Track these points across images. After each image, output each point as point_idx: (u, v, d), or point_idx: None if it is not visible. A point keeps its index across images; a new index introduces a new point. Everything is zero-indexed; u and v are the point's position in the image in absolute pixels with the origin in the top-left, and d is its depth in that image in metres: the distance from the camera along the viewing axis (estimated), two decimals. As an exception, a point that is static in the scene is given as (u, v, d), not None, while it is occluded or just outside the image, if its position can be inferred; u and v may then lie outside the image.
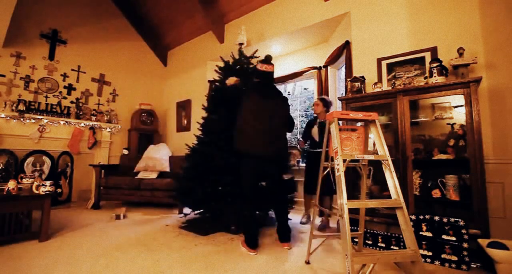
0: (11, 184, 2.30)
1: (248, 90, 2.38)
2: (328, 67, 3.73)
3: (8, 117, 3.74)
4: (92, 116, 4.58)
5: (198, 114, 4.35)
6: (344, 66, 3.28)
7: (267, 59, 2.34)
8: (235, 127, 2.33)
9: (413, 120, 2.34)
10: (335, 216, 2.32)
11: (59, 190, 3.97)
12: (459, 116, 2.22)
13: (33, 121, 3.94)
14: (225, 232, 2.70)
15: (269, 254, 2.12)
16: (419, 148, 2.36)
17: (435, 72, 2.22)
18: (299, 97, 4.61)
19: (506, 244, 1.77)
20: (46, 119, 4.03)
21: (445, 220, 1.99)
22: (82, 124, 4.42)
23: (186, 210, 3.42)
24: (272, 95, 2.39)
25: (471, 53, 2.26)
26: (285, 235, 2.30)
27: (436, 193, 2.19)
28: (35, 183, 2.44)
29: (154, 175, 4.01)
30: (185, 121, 5.21)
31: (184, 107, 5.24)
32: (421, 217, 2.08)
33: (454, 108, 2.26)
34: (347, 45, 3.19)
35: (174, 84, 5.63)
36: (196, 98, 4.97)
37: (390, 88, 2.53)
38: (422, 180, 2.30)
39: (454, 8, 2.45)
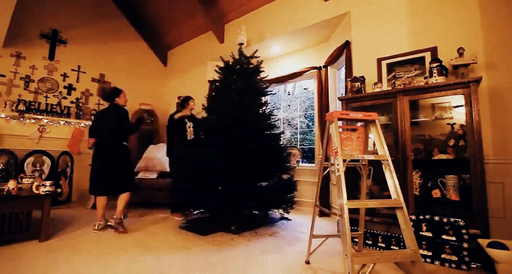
0: (11, 184, 2.30)
1: None
2: (328, 67, 3.73)
3: (8, 117, 3.74)
4: (92, 116, 4.58)
5: (198, 114, 4.34)
6: (344, 66, 3.28)
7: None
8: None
9: (413, 120, 2.34)
10: (335, 216, 2.32)
11: (59, 190, 3.97)
12: (459, 116, 2.22)
13: (33, 121, 3.94)
14: (225, 232, 2.70)
15: (269, 254, 2.12)
16: (419, 148, 2.36)
17: (435, 72, 2.22)
18: (299, 97, 4.61)
19: (506, 244, 1.77)
20: (46, 119, 4.03)
21: (445, 220, 1.99)
22: (82, 124, 4.42)
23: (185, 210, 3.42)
24: None
25: (471, 53, 2.26)
26: None
27: (436, 193, 2.19)
28: (35, 183, 2.44)
29: (154, 175, 4.01)
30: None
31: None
32: (421, 217, 2.08)
33: (454, 108, 2.26)
34: (347, 45, 3.19)
35: (174, 84, 5.63)
36: (196, 98, 4.95)
37: (390, 88, 2.53)
38: (422, 180, 2.30)
39: (454, 8, 2.45)
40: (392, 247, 2.23)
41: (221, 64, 3.25)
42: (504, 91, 2.17)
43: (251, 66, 3.19)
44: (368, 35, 2.94)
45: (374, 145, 1.94)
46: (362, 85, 2.68)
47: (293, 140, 5.13)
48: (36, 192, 2.38)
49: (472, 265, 1.91)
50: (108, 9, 5.01)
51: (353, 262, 1.36)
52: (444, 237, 1.97)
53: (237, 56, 3.27)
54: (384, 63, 2.76)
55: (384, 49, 2.79)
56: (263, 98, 3.29)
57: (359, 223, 2.03)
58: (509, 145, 2.13)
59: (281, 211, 3.08)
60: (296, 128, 4.88)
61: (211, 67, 4.64)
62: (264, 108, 3.21)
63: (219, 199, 2.62)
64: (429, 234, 2.03)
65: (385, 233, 2.29)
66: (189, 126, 3.42)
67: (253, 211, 3.03)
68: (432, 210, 2.26)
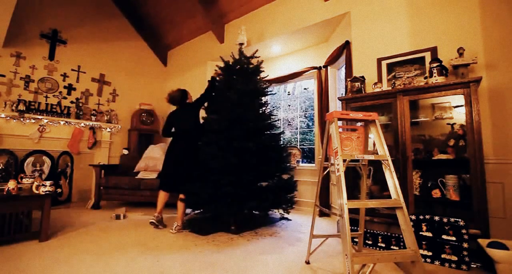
0: (11, 184, 2.29)
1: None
2: (328, 67, 3.73)
3: (8, 117, 3.74)
4: (92, 116, 4.58)
5: (198, 114, 4.34)
6: (344, 66, 3.29)
7: None
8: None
9: (413, 120, 2.34)
10: (335, 216, 2.32)
11: (59, 190, 3.97)
12: (459, 116, 2.22)
13: (33, 121, 3.94)
14: (225, 232, 2.70)
15: (269, 254, 2.12)
16: (419, 148, 2.36)
17: (435, 72, 2.22)
18: (299, 97, 4.61)
19: (506, 244, 1.77)
20: (46, 119, 4.03)
21: (445, 220, 1.99)
22: (82, 124, 4.42)
23: (186, 210, 3.42)
24: None
25: (471, 53, 2.26)
26: None
27: (436, 193, 2.19)
28: (35, 183, 2.44)
29: (154, 175, 4.01)
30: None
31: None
32: (421, 217, 2.08)
33: (454, 108, 2.26)
34: (347, 45, 3.19)
35: (174, 84, 5.62)
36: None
37: (390, 88, 2.53)
38: (422, 180, 2.30)
39: (454, 8, 2.45)
40: (392, 247, 2.23)
41: (221, 64, 3.24)
42: (504, 91, 2.17)
43: (251, 66, 3.19)
44: (368, 35, 2.94)
45: (374, 145, 1.94)
46: (362, 85, 2.68)
47: (293, 139, 5.13)
48: (36, 192, 2.38)
49: (472, 265, 1.91)
50: (108, 9, 5.01)
51: (353, 262, 1.36)
52: (444, 237, 1.97)
53: (237, 56, 3.27)
54: (384, 63, 2.76)
55: (384, 49, 2.79)
56: (263, 98, 3.29)
57: (359, 223, 2.03)
58: (509, 145, 2.13)
59: (281, 211, 3.08)
60: (296, 128, 4.88)
61: (211, 67, 4.65)
62: (264, 108, 3.21)
63: (219, 199, 2.62)
64: (429, 234, 2.03)
65: (385, 233, 2.29)
66: None
67: (253, 211, 3.03)
68: (432, 210, 2.26)
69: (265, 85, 3.29)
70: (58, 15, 4.38)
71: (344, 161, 1.63)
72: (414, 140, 2.35)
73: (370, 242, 2.34)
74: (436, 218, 2.02)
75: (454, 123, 2.24)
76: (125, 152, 4.70)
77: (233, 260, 1.99)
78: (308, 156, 4.97)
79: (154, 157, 4.22)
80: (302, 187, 3.83)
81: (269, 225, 3.02)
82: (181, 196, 2.79)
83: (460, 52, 2.20)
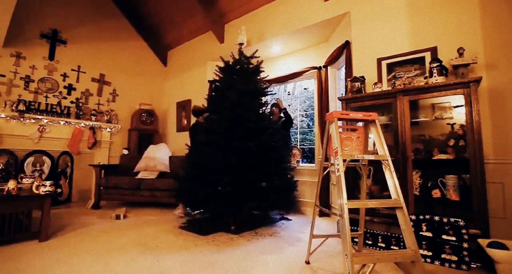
0: (11, 184, 2.30)
1: None
2: (328, 67, 3.73)
3: (8, 117, 3.74)
4: (92, 116, 4.58)
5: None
6: (344, 66, 3.28)
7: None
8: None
9: (413, 120, 2.34)
10: (335, 216, 2.32)
11: (59, 190, 3.97)
12: (459, 116, 2.22)
13: (33, 121, 3.94)
14: (225, 232, 2.70)
15: (269, 254, 2.12)
16: (419, 148, 2.36)
17: (435, 72, 2.22)
18: (299, 97, 4.61)
19: (506, 244, 1.77)
20: (46, 119, 4.03)
21: (445, 220, 1.99)
22: (82, 124, 4.42)
23: (186, 210, 3.42)
24: None
25: (471, 53, 2.26)
26: None
27: (436, 193, 2.19)
28: (35, 183, 2.44)
29: (154, 175, 4.01)
30: (185, 121, 5.21)
31: (184, 107, 5.24)
32: (421, 217, 2.08)
33: (454, 108, 2.26)
34: (347, 45, 3.19)
35: (174, 84, 5.63)
36: (196, 98, 4.97)
37: (390, 88, 2.53)
38: (422, 180, 2.30)
39: (454, 8, 2.45)
40: (392, 247, 2.23)
41: (221, 64, 3.24)
42: (504, 91, 2.17)
43: (251, 66, 3.19)
44: (368, 35, 2.94)
45: (374, 145, 1.94)
46: (362, 85, 2.68)
47: (293, 139, 5.12)
48: (36, 192, 2.38)
49: (472, 265, 1.91)
50: (108, 9, 5.01)
51: (353, 262, 1.36)
52: (444, 237, 1.97)
53: (237, 56, 3.27)
54: (384, 63, 2.76)
55: (384, 49, 2.79)
56: (263, 98, 3.29)
57: (359, 223, 2.03)
58: (509, 145, 2.13)
59: (281, 211, 3.08)
60: (296, 128, 4.88)
61: (211, 67, 4.65)
62: (264, 108, 3.21)
63: (219, 199, 2.62)
64: (429, 234, 2.02)
65: (385, 233, 2.29)
66: None
67: (253, 211, 3.03)
68: (432, 210, 2.26)
69: (265, 85, 3.28)
70: (58, 15, 4.38)
71: (344, 161, 1.63)
72: (414, 140, 2.35)
73: (370, 242, 2.34)
74: (436, 218, 2.02)
75: (454, 123, 2.24)
76: (125, 152, 4.70)
77: (233, 260, 1.99)
78: (308, 156, 4.97)
79: (154, 157, 4.22)
80: (302, 187, 3.82)
81: (269, 225, 3.02)
82: None
83: (460, 52, 2.20)
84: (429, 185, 2.24)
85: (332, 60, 3.56)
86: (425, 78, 2.35)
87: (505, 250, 1.72)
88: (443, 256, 1.95)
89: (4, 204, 2.21)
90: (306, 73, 3.99)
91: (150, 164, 4.13)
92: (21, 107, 3.83)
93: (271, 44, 4.12)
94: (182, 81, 5.40)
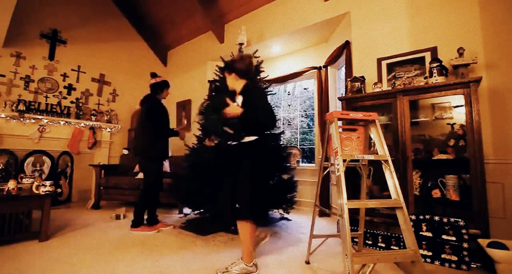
0: (11, 184, 2.29)
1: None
2: (328, 67, 3.73)
3: (8, 117, 3.73)
4: (92, 116, 4.58)
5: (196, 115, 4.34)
6: (344, 66, 3.28)
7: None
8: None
9: (413, 120, 2.33)
10: (335, 216, 2.32)
11: (59, 190, 3.97)
12: (459, 116, 2.22)
13: (33, 121, 3.94)
14: (225, 232, 2.70)
15: (269, 254, 2.12)
16: (419, 148, 2.36)
17: (435, 72, 2.22)
18: (299, 97, 4.61)
19: (506, 244, 1.77)
20: (46, 119, 4.03)
21: (445, 220, 1.99)
22: (82, 124, 4.42)
23: (186, 210, 3.42)
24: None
25: (471, 53, 2.26)
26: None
27: (436, 193, 2.19)
28: (35, 183, 2.44)
29: (154, 175, 4.00)
30: (185, 121, 5.20)
31: (184, 107, 5.24)
32: (421, 217, 2.08)
33: (454, 108, 2.26)
34: (347, 45, 3.19)
35: (174, 84, 5.59)
36: (196, 98, 4.97)
37: (390, 88, 2.53)
38: (422, 180, 2.30)
39: (454, 8, 2.45)
40: (392, 247, 2.23)
41: (221, 64, 3.24)
42: (504, 91, 2.17)
43: (251, 66, 3.18)
44: (368, 35, 2.94)
45: (374, 144, 1.94)
46: (362, 85, 2.68)
47: (293, 139, 5.13)
48: (36, 192, 2.38)
49: (472, 265, 1.91)
50: (108, 9, 5.01)
51: (353, 262, 1.36)
52: (444, 237, 1.97)
53: (237, 56, 3.26)
54: (384, 63, 2.76)
55: (384, 49, 2.79)
56: (263, 98, 3.28)
57: (359, 223, 2.03)
58: (509, 145, 2.13)
59: (281, 211, 3.08)
60: (296, 128, 4.88)
61: (211, 67, 4.65)
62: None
63: (219, 199, 2.61)
64: (429, 234, 2.03)
65: (385, 233, 2.29)
66: None
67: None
68: (432, 210, 2.26)
69: (265, 85, 3.28)
70: (58, 15, 4.38)
71: (344, 161, 1.63)
72: (414, 140, 2.35)
73: (370, 242, 2.34)
74: (436, 218, 2.02)
75: (454, 123, 2.24)
76: (125, 152, 4.69)
77: (233, 260, 1.98)
78: (308, 156, 4.97)
79: (154, 157, 4.21)
80: (302, 187, 3.82)
81: (269, 225, 3.02)
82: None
83: (460, 52, 2.20)
84: (429, 185, 2.24)
85: (332, 60, 3.56)
86: (425, 78, 2.35)
87: (505, 250, 1.72)
88: (443, 256, 1.95)
89: (4, 204, 2.20)
90: (306, 73, 3.99)
91: (150, 164, 4.12)
92: (21, 107, 3.83)
93: (271, 44, 4.12)
94: (182, 81, 5.40)
